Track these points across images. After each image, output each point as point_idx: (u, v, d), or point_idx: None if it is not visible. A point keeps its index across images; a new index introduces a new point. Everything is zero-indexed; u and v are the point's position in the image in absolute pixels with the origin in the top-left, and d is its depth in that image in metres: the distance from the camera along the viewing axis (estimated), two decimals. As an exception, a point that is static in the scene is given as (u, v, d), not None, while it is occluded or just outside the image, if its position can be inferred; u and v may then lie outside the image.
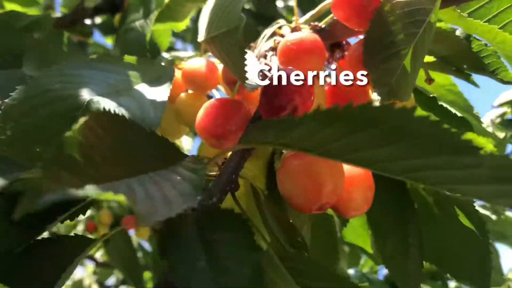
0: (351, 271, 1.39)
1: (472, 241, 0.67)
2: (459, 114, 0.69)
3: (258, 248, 0.30)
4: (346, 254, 1.20)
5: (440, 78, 0.83)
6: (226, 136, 0.51)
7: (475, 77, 0.72)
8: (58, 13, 1.55)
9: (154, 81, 0.58)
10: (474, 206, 0.66)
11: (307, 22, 0.73)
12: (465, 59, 0.70)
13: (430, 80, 0.63)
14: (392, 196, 0.63)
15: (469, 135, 0.31)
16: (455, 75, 0.73)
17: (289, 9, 1.60)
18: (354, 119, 0.32)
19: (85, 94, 0.48)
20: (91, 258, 1.89)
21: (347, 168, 0.50)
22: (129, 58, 0.60)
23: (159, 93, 0.54)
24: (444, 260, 0.69)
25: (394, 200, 0.63)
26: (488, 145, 0.81)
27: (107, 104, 0.48)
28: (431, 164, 0.32)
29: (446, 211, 0.70)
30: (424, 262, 1.27)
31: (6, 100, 0.45)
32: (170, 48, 1.07)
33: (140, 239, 1.53)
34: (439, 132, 0.30)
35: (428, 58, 0.71)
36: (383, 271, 1.42)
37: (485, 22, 0.61)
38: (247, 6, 1.36)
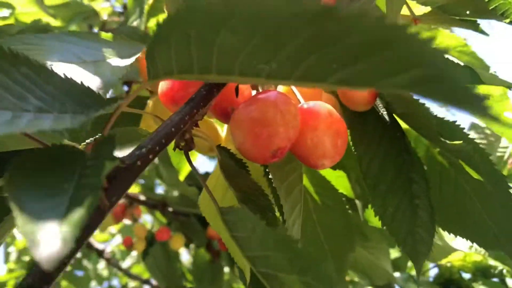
0: (397, 274, 1.29)
1: (495, 203, 0.59)
2: (461, 63, 0.62)
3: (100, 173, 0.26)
4: (383, 250, 1.11)
5: (450, 39, 0.76)
6: (184, 100, 0.49)
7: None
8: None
9: (126, 57, 0.56)
10: (493, 165, 0.59)
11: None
12: (467, 5, 0.63)
13: (416, 21, 0.57)
14: (392, 155, 0.57)
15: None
16: (460, 25, 0.67)
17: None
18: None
19: (41, 60, 0.47)
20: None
21: (309, 112, 0.46)
22: (105, 35, 0.59)
23: (123, 62, 0.52)
24: (466, 227, 0.61)
25: (394, 159, 0.57)
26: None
27: (61, 68, 0.46)
28: (294, 46, 0.25)
29: (463, 174, 0.63)
30: (473, 259, 1.17)
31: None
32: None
33: (175, 249, 1.51)
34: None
35: (424, 10, 0.65)
36: (433, 272, 1.31)
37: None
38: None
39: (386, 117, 0.60)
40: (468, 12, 0.64)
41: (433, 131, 0.53)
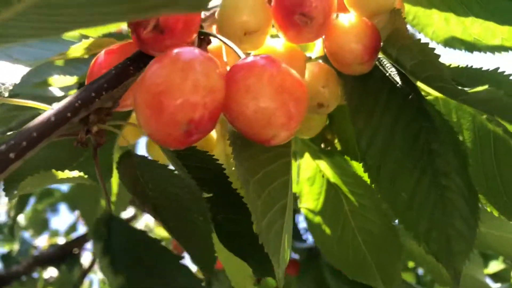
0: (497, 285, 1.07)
1: None
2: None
3: None
4: (473, 257, 0.91)
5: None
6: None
7: None
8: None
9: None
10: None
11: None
12: None
13: None
14: (402, 123, 0.42)
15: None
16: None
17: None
18: None
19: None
20: None
21: (242, 69, 0.34)
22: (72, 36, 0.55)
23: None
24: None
25: (405, 128, 0.42)
26: None
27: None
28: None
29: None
30: None
31: None
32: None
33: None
34: None
35: None
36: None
37: None
38: None
39: (396, 78, 0.46)
40: None
41: (447, 79, 0.38)
